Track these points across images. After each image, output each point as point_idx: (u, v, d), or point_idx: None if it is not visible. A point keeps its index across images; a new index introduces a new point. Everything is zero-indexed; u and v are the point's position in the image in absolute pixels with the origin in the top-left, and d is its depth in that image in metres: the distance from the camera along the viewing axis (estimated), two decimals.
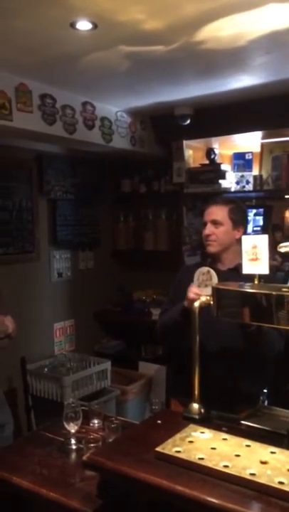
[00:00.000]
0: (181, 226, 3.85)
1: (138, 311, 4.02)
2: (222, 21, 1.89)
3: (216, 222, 2.16)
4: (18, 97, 2.57)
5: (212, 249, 2.18)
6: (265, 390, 2.56)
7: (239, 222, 2.21)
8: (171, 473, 1.31)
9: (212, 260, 2.25)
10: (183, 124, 3.32)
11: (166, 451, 1.41)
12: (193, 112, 3.28)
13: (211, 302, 1.77)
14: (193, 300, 1.85)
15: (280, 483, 1.22)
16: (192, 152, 3.85)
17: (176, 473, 1.31)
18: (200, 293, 1.87)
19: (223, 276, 1.97)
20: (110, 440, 1.80)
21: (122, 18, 1.84)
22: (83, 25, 1.90)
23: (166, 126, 3.63)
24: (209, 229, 2.17)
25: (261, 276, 1.66)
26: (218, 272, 2.14)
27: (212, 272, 1.91)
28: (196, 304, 1.82)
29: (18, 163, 3.44)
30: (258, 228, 3.79)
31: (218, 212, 2.17)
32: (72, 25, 1.89)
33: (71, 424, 1.90)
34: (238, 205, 2.24)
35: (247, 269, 1.68)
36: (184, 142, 3.72)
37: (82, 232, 4.02)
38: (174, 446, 1.43)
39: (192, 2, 1.73)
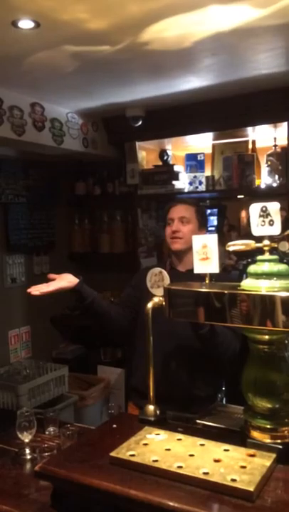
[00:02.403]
0: (136, 228, 3.85)
1: None
2: (166, 22, 1.89)
3: (183, 220, 2.17)
4: None
5: (178, 246, 2.18)
6: (223, 388, 2.59)
7: (203, 224, 2.25)
8: (124, 477, 1.29)
9: (171, 261, 2.26)
10: (135, 125, 3.32)
11: (120, 456, 1.39)
12: (144, 113, 3.29)
13: (164, 303, 1.76)
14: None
15: (233, 480, 1.22)
16: (145, 154, 3.86)
17: (129, 478, 1.29)
18: (154, 293, 1.86)
19: (182, 277, 1.97)
20: (65, 448, 1.76)
21: (65, 17, 1.81)
22: (25, 24, 1.85)
23: (118, 128, 3.62)
24: (176, 226, 2.17)
25: (215, 276, 1.67)
26: (178, 274, 2.16)
27: (164, 272, 1.91)
28: (149, 304, 1.81)
29: None
30: (213, 228, 3.84)
31: (186, 210, 2.19)
32: (14, 24, 1.85)
33: (25, 433, 1.85)
34: (202, 207, 2.27)
35: (198, 268, 1.69)
36: (137, 143, 3.73)
37: (37, 235, 3.94)
38: (129, 450, 1.41)
39: (135, 2, 1.72)
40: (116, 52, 2.19)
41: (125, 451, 1.41)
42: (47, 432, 2.05)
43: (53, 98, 3.01)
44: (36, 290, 2.00)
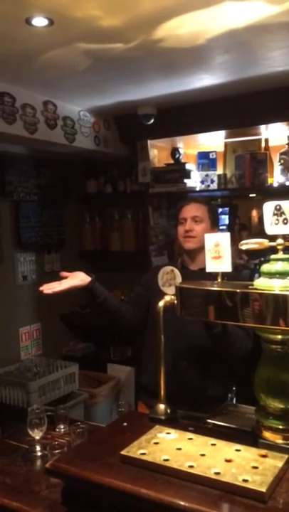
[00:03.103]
0: (147, 226, 3.84)
1: None
2: (180, 19, 1.88)
3: (196, 219, 2.16)
4: None
5: (191, 245, 2.17)
6: (234, 388, 2.58)
7: (215, 222, 2.25)
8: (135, 476, 1.29)
9: (182, 260, 2.25)
10: (146, 123, 3.31)
11: (130, 454, 1.38)
12: (156, 112, 3.27)
13: (175, 301, 1.75)
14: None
15: (244, 480, 1.21)
16: (157, 152, 3.85)
17: (140, 476, 1.29)
18: (165, 291, 1.85)
19: (193, 276, 1.97)
20: (76, 445, 1.76)
21: (79, 14, 1.81)
22: (39, 21, 1.85)
23: (130, 126, 3.62)
24: (190, 225, 2.16)
25: (226, 275, 1.66)
26: (189, 272, 2.15)
27: (176, 270, 1.90)
28: (161, 303, 1.80)
29: None
30: (224, 227, 3.82)
31: (198, 209, 2.18)
32: (28, 21, 1.85)
33: (35, 430, 1.86)
34: (214, 207, 2.27)
35: (210, 267, 1.68)
36: (149, 142, 3.72)
37: (48, 233, 3.95)
38: (140, 449, 1.41)
39: None
40: (129, 49, 2.18)
41: (136, 450, 1.41)
42: (57, 430, 2.05)
43: (65, 96, 3.01)
44: (48, 289, 2.01)
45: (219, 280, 1.66)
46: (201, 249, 2.15)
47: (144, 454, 1.38)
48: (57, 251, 4.07)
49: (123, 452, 1.39)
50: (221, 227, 3.74)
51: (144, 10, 1.79)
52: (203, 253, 2.16)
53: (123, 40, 2.09)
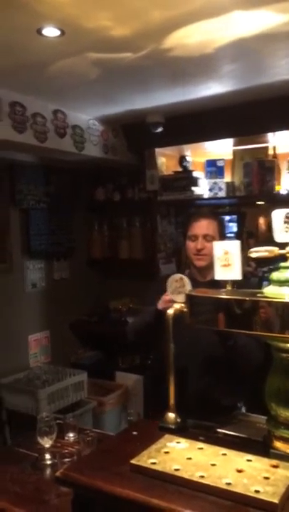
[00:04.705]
0: (155, 234, 3.84)
1: (114, 321, 3.98)
2: (189, 28, 1.89)
3: (207, 237, 2.15)
4: None
5: (203, 263, 2.17)
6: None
7: (223, 236, 2.24)
8: (146, 485, 1.28)
9: (190, 272, 2.24)
10: (155, 131, 3.32)
11: (141, 463, 1.38)
12: (164, 120, 3.29)
13: (185, 310, 1.75)
14: (167, 307, 1.83)
15: (256, 491, 1.20)
16: (165, 160, 3.86)
17: (151, 486, 1.28)
18: (172, 299, 1.85)
19: (202, 286, 1.96)
20: (85, 454, 1.76)
21: (90, 24, 1.83)
22: (50, 31, 1.87)
23: (138, 134, 3.63)
24: (202, 243, 2.16)
25: (234, 283, 1.65)
26: (197, 284, 2.14)
27: (185, 278, 1.90)
28: (170, 311, 1.80)
29: None
30: (232, 235, 3.81)
31: (209, 227, 2.18)
32: (39, 31, 1.87)
33: (45, 438, 1.86)
34: (222, 219, 2.27)
35: (219, 275, 1.67)
36: (156, 150, 3.73)
37: (57, 241, 3.97)
38: (150, 458, 1.40)
39: (158, 9, 1.73)
40: (138, 59, 2.20)
41: (146, 459, 1.40)
42: (66, 438, 2.05)
43: (74, 105, 3.03)
44: None
45: (229, 288, 1.66)
46: (210, 264, 2.16)
47: (154, 463, 1.37)
48: (66, 258, 4.08)
49: (133, 461, 1.39)
50: (229, 235, 3.75)
51: (154, 19, 1.80)
52: (210, 266, 2.17)
53: (132, 50, 2.11)
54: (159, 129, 3.32)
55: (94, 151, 3.40)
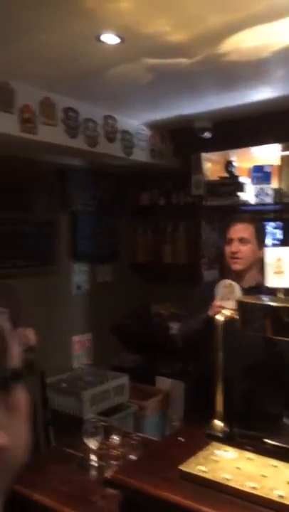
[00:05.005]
0: (199, 239, 3.82)
1: (156, 325, 3.98)
2: (245, 32, 1.88)
3: (243, 240, 2.13)
4: (42, 111, 2.60)
5: (238, 266, 2.14)
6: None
7: (263, 242, 2.20)
8: (196, 493, 1.27)
9: (232, 278, 2.22)
10: (202, 136, 3.31)
11: (190, 470, 1.37)
12: (212, 125, 3.27)
13: (235, 316, 1.73)
14: (216, 313, 1.82)
15: None
16: (210, 165, 3.83)
17: (201, 494, 1.27)
18: (223, 305, 1.84)
19: (244, 294, 1.93)
20: (130, 457, 1.76)
21: (148, 30, 1.85)
22: (109, 38, 1.90)
23: (185, 139, 3.63)
24: (236, 246, 2.13)
25: (287, 290, 1.62)
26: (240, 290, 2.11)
27: (234, 284, 1.88)
28: (221, 318, 1.78)
29: (40, 177, 3.47)
30: (277, 242, 3.73)
31: (245, 231, 2.15)
32: (98, 38, 1.90)
33: (91, 440, 1.87)
34: (262, 225, 2.23)
35: (271, 282, 1.64)
36: (202, 155, 3.71)
37: (102, 244, 4.01)
38: (198, 465, 1.39)
39: (217, 13, 1.73)
40: (192, 64, 2.20)
41: (194, 466, 1.39)
42: (110, 440, 2.05)
43: (125, 110, 3.07)
44: None
45: (281, 296, 1.62)
46: (248, 269, 2.12)
47: (204, 471, 1.36)
48: (109, 262, 4.12)
49: (182, 468, 1.38)
50: (274, 242, 3.67)
51: (211, 25, 1.80)
52: (252, 272, 2.13)
53: (187, 55, 2.11)
54: (207, 134, 3.31)
55: (141, 156, 3.43)
